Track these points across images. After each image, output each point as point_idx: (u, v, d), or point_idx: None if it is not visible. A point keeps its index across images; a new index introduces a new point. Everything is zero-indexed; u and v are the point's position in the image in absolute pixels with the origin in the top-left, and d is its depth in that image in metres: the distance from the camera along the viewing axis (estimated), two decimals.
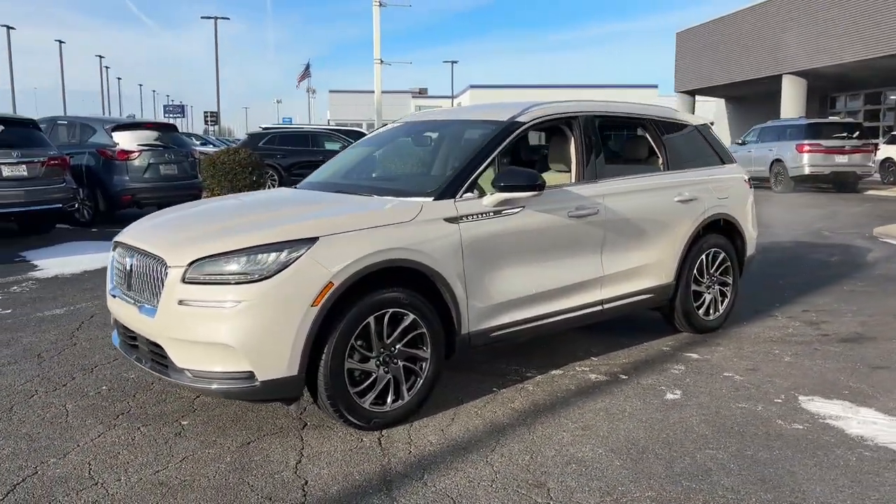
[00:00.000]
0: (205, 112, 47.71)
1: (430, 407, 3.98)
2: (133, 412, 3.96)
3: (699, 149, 5.61)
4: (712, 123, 6.07)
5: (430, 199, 3.99)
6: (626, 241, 4.80)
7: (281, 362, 3.38)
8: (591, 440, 3.58)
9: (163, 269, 3.53)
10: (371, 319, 3.61)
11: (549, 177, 4.68)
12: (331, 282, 3.44)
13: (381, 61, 19.91)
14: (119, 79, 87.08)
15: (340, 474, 3.24)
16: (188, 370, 3.47)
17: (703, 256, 5.33)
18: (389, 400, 3.74)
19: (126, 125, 12.15)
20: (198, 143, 20.92)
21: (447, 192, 4.03)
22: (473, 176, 4.13)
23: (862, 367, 4.72)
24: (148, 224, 4.28)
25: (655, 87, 72.94)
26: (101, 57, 70.05)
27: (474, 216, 4.01)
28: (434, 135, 5.20)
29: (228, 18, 57.12)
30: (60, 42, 56.87)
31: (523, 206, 4.21)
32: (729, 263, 5.54)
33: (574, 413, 3.94)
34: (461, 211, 3.97)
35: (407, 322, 3.74)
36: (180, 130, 14.25)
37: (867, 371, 4.63)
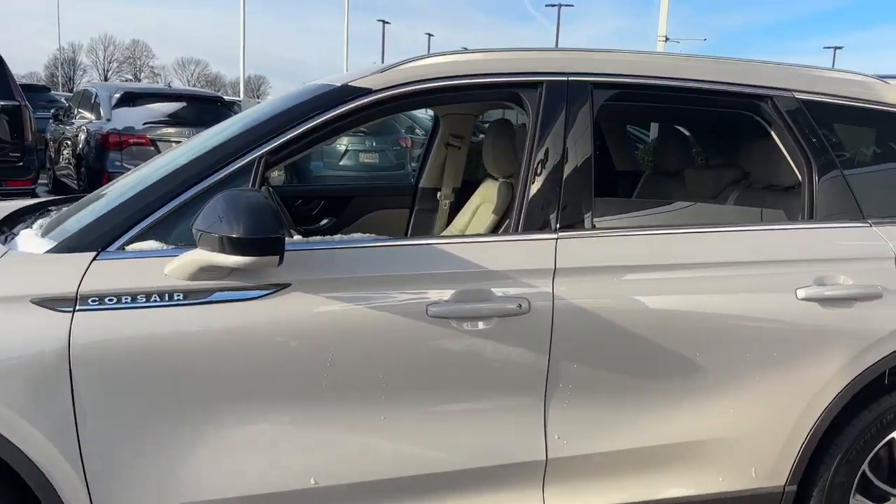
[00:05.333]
0: None
1: None
2: None
3: None
4: None
5: (48, 247, 1.80)
6: (630, 385, 2.00)
7: None
8: None
9: None
10: None
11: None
12: None
13: (667, 39, 16.86)
14: None
15: None
16: None
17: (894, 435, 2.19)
18: None
19: None
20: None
21: (85, 239, 1.80)
22: (161, 211, 1.83)
23: None
24: None
25: None
26: (465, 49, 74.34)
27: (130, 298, 1.73)
28: None
29: (572, 6, 55.07)
30: (430, 35, 61.25)
31: (288, 284, 1.78)
32: None
33: None
34: (96, 285, 1.72)
35: None
36: None
37: None
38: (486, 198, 3.10)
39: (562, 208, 2.00)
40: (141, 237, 1.79)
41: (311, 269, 1.82)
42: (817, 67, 2.35)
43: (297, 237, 1.91)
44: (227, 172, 1.85)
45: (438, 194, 3.43)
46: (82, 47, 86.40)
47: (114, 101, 9.12)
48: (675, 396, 2.01)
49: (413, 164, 11.26)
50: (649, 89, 2.17)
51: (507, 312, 1.88)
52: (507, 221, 2.90)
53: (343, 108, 1.95)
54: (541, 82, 2.07)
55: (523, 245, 1.97)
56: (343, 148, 10.66)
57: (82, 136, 9.34)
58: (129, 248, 1.78)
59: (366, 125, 10.42)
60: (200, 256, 1.69)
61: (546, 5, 56.52)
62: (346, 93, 1.98)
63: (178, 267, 1.74)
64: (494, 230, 2.92)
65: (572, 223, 2.00)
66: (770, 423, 2.08)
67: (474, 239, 2.00)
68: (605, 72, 2.12)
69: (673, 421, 2.03)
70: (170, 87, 10.70)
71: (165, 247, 1.79)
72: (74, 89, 15.45)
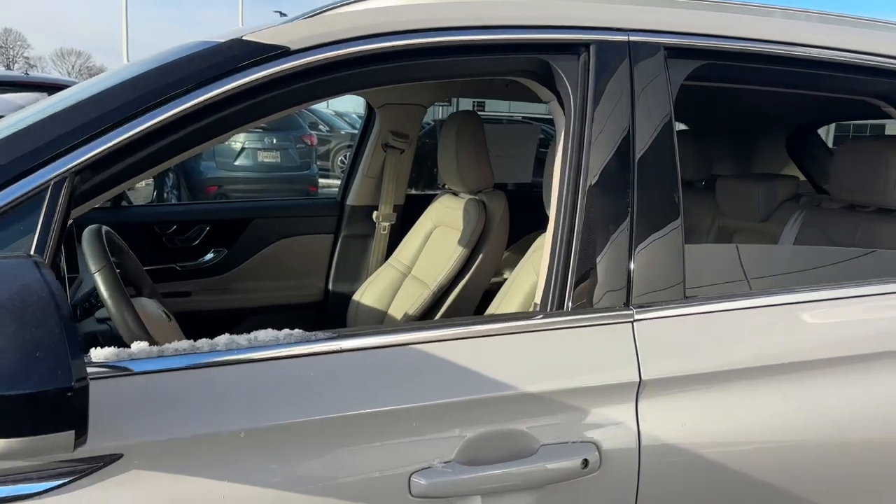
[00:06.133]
0: None
1: None
2: None
3: None
4: None
5: None
6: None
7: None
8: None
9: None
10: None
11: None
12: None
13: None
14: None
15: None
16: None
17: None
18: None
19: None
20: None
21: None
22: None
23: None
24: None
25: None
26: None
27: None
28: None
29: None
30: None
31: (116, 457, 0.81)
32: None
33: None
34: None
35: None
36: None
37: None
38: (442, 220, 2.21)
39: (636, 265, 1.12)
40: None
41: (166, 416, 0.87)
42: None
43: (137, 345, 0.94)
44: None
45: (374, 214, 2.49)
46: None
47: None
48: None
49: (319, 164, 10.22)
50: (750, 60, 1.30)
51: (561, 475, 0.98)
52: (480, 256, 2.04)
53: (234, 83, 0.99)
54: (586, 43, 1.18)
55: (576, 336, 1.07)
56: (239, 146, 9.50)
57: None
58: None
59: (268, 124, 9.38)
60: None
61: None
62: (242, 54, 1.02)
63: None
64: (463, 269, 2.03)
65: (656, 292, 1.12)
66: None
67: (485, 326, 1.08)
68: (687, 31, 1.24)
69: None
70: (27, 74, 9.14)
71: None
72: None
